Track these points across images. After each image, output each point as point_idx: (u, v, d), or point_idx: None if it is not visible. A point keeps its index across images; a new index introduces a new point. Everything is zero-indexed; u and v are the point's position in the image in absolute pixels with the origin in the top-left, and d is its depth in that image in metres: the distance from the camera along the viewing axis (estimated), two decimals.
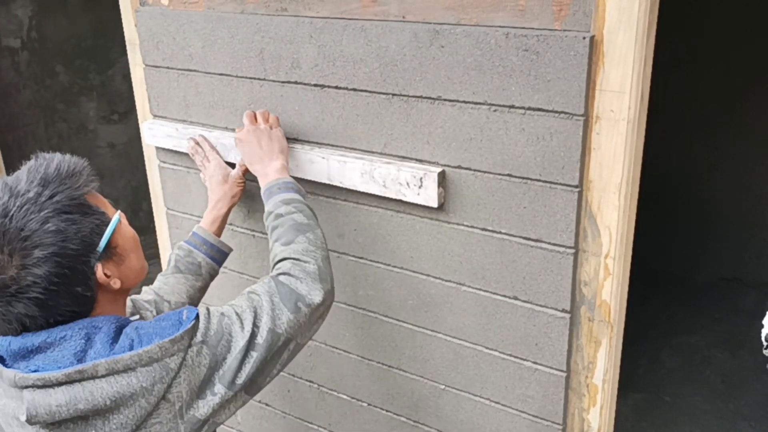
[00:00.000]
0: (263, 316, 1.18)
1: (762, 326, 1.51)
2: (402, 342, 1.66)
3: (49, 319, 1.05)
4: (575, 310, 1.39)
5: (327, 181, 1.56)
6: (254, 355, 1.15)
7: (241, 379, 1.13)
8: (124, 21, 1.87)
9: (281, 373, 1.95)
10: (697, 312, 3.23)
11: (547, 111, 1.27)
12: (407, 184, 1.43)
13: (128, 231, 1.17)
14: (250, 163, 1.51)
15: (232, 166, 1.67)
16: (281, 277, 1.26)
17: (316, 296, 1.25)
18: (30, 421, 1.01)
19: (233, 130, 1.74)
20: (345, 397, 1.85)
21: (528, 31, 1.25)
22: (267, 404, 2.04)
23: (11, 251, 1.00)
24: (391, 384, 1.72)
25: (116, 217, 1.11)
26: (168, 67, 1.80)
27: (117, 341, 1.06)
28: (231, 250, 1.63)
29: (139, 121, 1.98)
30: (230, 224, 1.84)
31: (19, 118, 3.16)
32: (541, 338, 1.44)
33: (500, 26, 1.28)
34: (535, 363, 1.47)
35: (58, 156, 1.11)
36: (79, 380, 1.01)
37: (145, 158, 2.02)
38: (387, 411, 1.77)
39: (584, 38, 1.20)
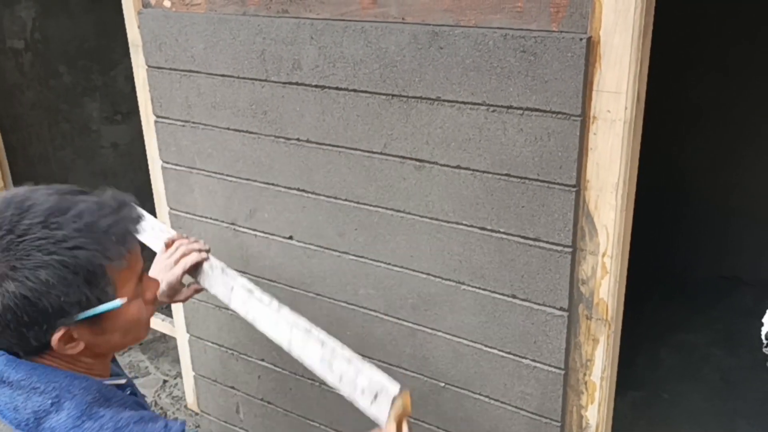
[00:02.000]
0: None
1: (761, 324, 1.53)
2: (402, 340, 1.68)
3: None
4: (573, 308, 1.41)
5: (286, 347, 1.40)
6: None
7: None
8: (127, 23, 1.89)
9: (283, 372, 1.97)
10: (696, 310, 3.23)
11: (545, 111, 1.29)
12: (362, 390, 1.27)
13: (131, 312, 1.06)
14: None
15: None
16: None
17: None
18: None
19: (235, 130, 1.75)
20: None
21: (526, 32, 1.27)
22: (269, 402, 2.06)
23: None
24: None
25: (115, 303, 1.01)
26: (170, 69, 1.82)
27: (88, 419, 0.99)
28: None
29: (142, 123, 2.00)
30: (233, 224, 1.86)
31: (23, 119, 3.17)
32: (540, 336, 1.46)
33: (498, 28, 1.30)
34: (533, 361, 1.49)
35: (125, 211, 1.03)
36: None
37: (148, 158, 2.04)
38: None
39: (581, 40, 1.21)
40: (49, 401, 0.98)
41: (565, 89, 1.25)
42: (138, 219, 1.05)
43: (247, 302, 1.43)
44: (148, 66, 1.87)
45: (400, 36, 1.41)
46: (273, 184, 1.75)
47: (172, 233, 1.52)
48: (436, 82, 1.39)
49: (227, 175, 1.82)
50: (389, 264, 1.62)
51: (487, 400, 1.59)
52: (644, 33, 1.19)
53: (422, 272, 1.57)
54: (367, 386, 1.23)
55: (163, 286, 1.41)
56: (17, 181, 3.06)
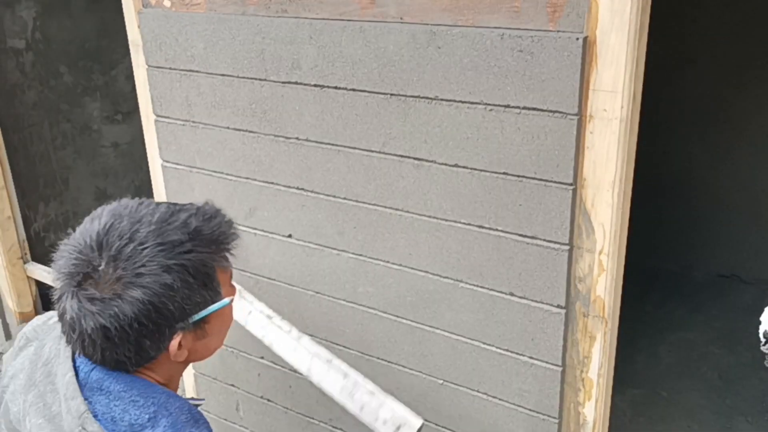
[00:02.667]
0: None
1: (760, 323, 1.53)
2: (401, 338, 1.69)
3: (105, 355, 1.00)
4: (570, 305, 1.42)
5: (304, 373, 1.43)
6: None
7: None
8: (127, 23, 1.90)
9: (283, 369, 1.98)
10: (695, 309, 3.24)
11: (542, 110, 1.30)
12: (384, 422, 1.32)
13: (228, 315, 1.12)
14: None
15: None
16: None
17: None
18: None
19: (235, 129, 1.76)
20: None
21: (523, 32, 1.28)
22: (269, 400, 2.07)
23: (120, 277, 0.97)
24: (390, 379, 1.75)
25: (225, 300, 1.07)
26: (170, 68, 1.83)
27: None
28: None
29: (143, 122, 2.01)
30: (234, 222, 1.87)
31: (24, 119, 3.18)
32: (537, 333, 1.47)
33: (496, 27, 1.31)
34: (531, 358, 1.50)
35: (221, 216, 1.09)
36: None
37: (149, 158, 2.05)
38: None
39: (578, 39, 1.22)
40: (147, 416, 1.00)
41: (562, 88, 1.26)
42: (231, 223, 1.11)
43: (266, 327, 1.47)
44: (149, 65, 1.88)
45: (398, 36, 1.41)
46: (272, 183, 1.76)
47: None
48: (434, 82, 1.40)
49: (227, 174, 1.83)
50: (388, 262, 1.63)
51: (485, 397, 1.60)
52: (640, 32, 1.20)
53: (421, 270, 1.58)
54: (390, 418, 1.30)
55: None
56: (18, 181, 3.08)
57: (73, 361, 1.05)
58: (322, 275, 1.77)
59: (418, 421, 1.26)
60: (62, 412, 1.01)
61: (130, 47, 1.92)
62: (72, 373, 1.03)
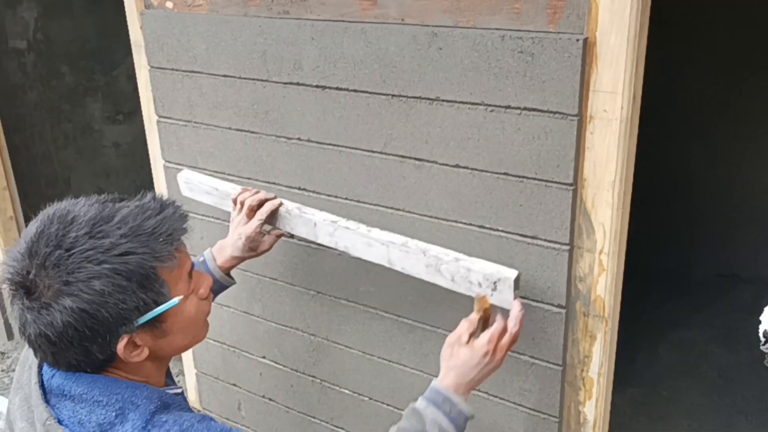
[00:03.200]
0: None
1: (759, 322, 1.54)
2: (402, 337, 1.69)
3: (58, 359, 0.99)
4: (571, 305, 1.42)
5: (387, 265, 1.44)
6: None
7: None
8: (129, 23, 1.91)
9: (284, 369, 1.99)
10: (695, 308, 3.25)
11: (542, 111, 1.31)
12: (479, 284, 1.32)
13: (188, 311, 1.07)
14: (447, 368, 1.26)
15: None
16: None
17: None
18: None
19: (237, 130, 1.77)
20: (347, 391, 1.88)
21: (523, 33, 1.28)
22: (270, 399, 2.08)
23: (49, 285, 0.94)
24: (391, 378, 1.76)
25: (172, 302, 1.01)
26: (172, 69, 1.84)
27: (152, 427, 0.98)
28: (234, 283, 1.56)
29: (145, 122, 2.02)
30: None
31: (25, 119, 3.19)
32: (538, 333, 1.47)
33: (496, 29, 1.31)
34: (532, 357, 1.50)
35: (169, 210, 1.03)
36: None
37: (150, 158, 2.06)
38: (388, 405, 1.81)
39: (578, 40, 1.23)
40: (113, 413, 0.98)
41: (563, 89, 1.27)
42: (183, 217, 1.05)
43: (335, 233, 1.49)
44: (151, 66, 1.89)
45: (399, 37, 1.42)
46: (274, 183, 1.77)
47: (237, 189, 1.59)
48: (435, 83, 1.41)
49: (229, 175, 1.84)
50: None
51: (486, 396, 1.60)
52: (640, 33, 1.21)
53: None
54: (484, 278, 1.31)
55: (242, 241, 1.48)
56: (20, 181, 3.08)
57: (40, 367, 1.04)
58: (324, 275, 1.77)
59: (513, 273, 1.28)
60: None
61: (132, 48, 1.93)
62: (36, 380, 1.02)
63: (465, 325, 1.27)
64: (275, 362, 2.00)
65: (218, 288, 1.51)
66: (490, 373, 1.26)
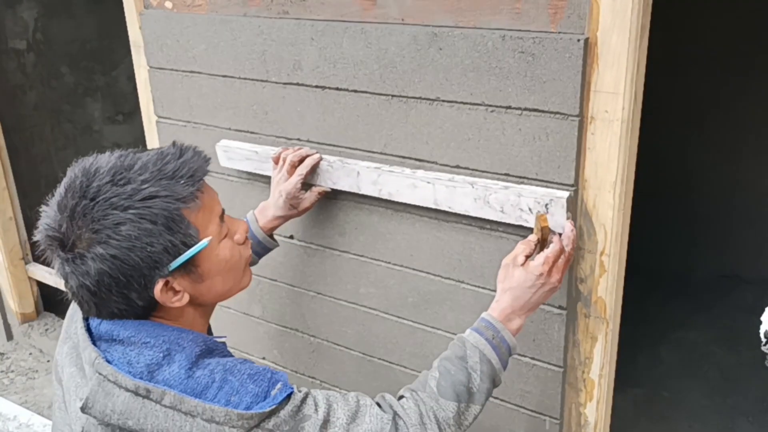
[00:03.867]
0: None
1: (760, 322, 1.53)
2: (403, 339, 1.69)
3: (102, 310, 1.04)
4: (572, 306, 1.42)
5: (433, 206, 1.43)
6: None
7: None
8: (128, 23, 1.90)
9: (284, 370, 1.98)
10: (696, 308, 3.24)
11: (543, 112, 1.30)
12: (529, 210, 1.30)
13: (223, 254, 1.10)
14: (501, 289, 1.25)
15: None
16: (401, 422, 1.09)
17: None
18: (83, 409, 1.00)
19: (236, 130, 1.77)
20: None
21: (524, 33, 1.28)
22: None
23: (79, 236, 0.99)
24: (392, 380, 1.75)
25: (202, 243, 1.04)
26: (172, 69, 1.83)
27: (197, 368, 1.02)
28: (277, 246, 1.58)
29: (144, 123, 2.02)
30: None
31: (25, 120, 3.19)
32: (539, 334, 1.47)
33: (497, 29, 1.31)
34: (533, 359, 1.50)
35: (188, 154, 1.06)
36: (144, 396, 0.98)
37: None
38: None
39: (579, 40, 1.22)
40: (161, 354, 1.02)
41: (563, 89, 1.26)
42: (204, 159, 1.07)
43: (378, 179, 1.49)
44: (150, 66, 1.88)
45: (399, 37, 1.42)
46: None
47: (277, 149, 1.60)
48: (435, 83, 1.40)
49: (228, 176, 1.83)
50: (389, 263, 1.63)
51: None
52: (641, 33, 1.20)
53: (422, 271, 1.58)
54: (534, 203, 1.30)
55: (283, 198, 1.49)
56: (19, 182, 3.08)
57: (86, 319, 1.09)
58: (324, 276, 1.77)
59: (564, 192, 1.28)
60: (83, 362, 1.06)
61: (132, 48, 1.93)
62: (83, 325, 1.07)
63: (521, 247, 1.26)
64: (275, 364, 2.00)
65: (262, 250, 1.54)
66: (547, 296, 1.24)
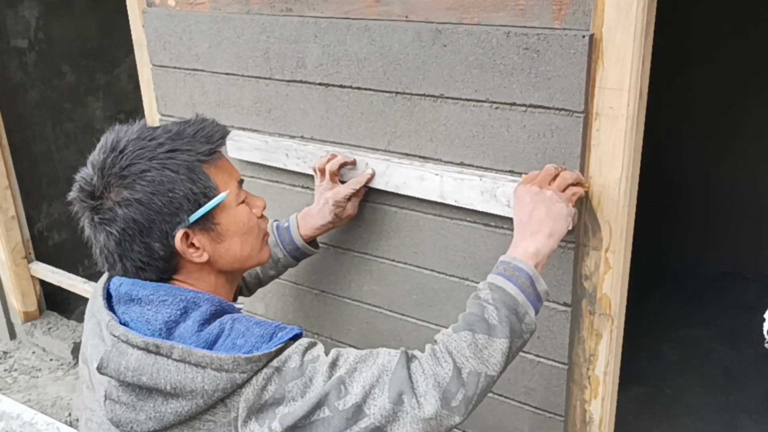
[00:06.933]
0: (357, 384, 1.03)
1: (763, 320, 1.53)
2: (406, 336, 1.69)
3: (126, 263, 1.11)
4: (576, 303, 1.42)
5: (439, 200, 1.43)
6: (326, 414, 1.02)
7: (302, 429, 1.03)
8: (131, 22, 1.90)
9: None
10: (699, 306, 3.24)
11: (548, 108, 1.30)
12: None
13: (241, 215, 1.17)
14: (515, 224, 1.22)
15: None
16: (413, 361, 1.07)
17: (427, 406, 1.02)
18: (99, 369, 1.04)
19: (240, 128, 1.77)
20: None
21: (528, 30, 1.28)
22: None
23: (108, 184, 1.09)
24: None
25: (221, 195, 1.13)
26: (175, 67, 1.83)
27: (208, 324, 1.07)
28: (316, 251, 1.58)
29: (146, 121, 2.01)
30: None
31: (26, 118, 3.18)
32: (543, 331, 1.47)
33: (501, 25, 1.31)
34: (537, 356, 1.50)
35: (208, 121, 1.16)
36: (154, 353, 1.02)
37: None
38: None
39: (584, 37, 1.22)
40: (178, 312, 1.08)
41: (568, 86, 1.26)
42: (221, 125, 1.17)
43: (386, 172, 1.51)
44: (153, 65, 1.88)
45: (403, 34, 1.41)
46: (277, 182, 1.76)
47: (288, 142, 1.64)
48: (439, 80, 1.40)
49: None
50: (393, 260, 1.63)
51: (490, 395, 1.60)
52: (646, 30, 1.20)
53: (426, 268, 1.58)
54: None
55: (330, 206, 1.50)
56: (21, 181, 3.08)
57: (107, 286, 1.16)
58: (327, 274, 1.77)
59: (575, 174, 1.28)
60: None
61: (134, 46, 1.93)
62: (101, 293, 1.15)
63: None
64: None
65: (300, 255, 1.56)
66: (557, 216, 1.18)
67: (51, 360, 3.07)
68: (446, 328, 1.14)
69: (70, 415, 2.68)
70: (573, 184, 1.25)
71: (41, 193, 3.25)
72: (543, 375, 1.50)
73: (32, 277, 3.17)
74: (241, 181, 1.20)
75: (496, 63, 1.32)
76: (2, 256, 3.08)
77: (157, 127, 1.14)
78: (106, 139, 1.13)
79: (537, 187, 1.21)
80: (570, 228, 1.22)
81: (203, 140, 1.13)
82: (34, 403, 2.77)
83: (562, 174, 1.25)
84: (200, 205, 1.11)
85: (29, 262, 3.16)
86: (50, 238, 3.33)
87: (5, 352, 3.16)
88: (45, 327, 3.15)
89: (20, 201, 3.08)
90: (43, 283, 3.19)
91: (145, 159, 1.08)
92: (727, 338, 3.00)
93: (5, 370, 3.02)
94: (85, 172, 1.12)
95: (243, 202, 1.19)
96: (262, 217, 1.24)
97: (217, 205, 1.13)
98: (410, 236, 1.57)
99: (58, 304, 3.28)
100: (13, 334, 3.24)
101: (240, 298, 1.62)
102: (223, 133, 1.17)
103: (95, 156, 1.12)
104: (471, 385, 1.05)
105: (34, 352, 3.13)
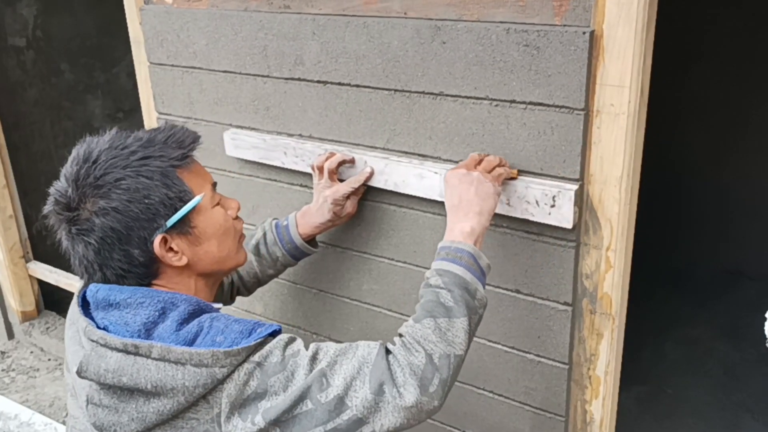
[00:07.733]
0: (338, 377, 1.06)
1: (764, 319, 1.52)
2: None
3: (106, 272, 1.11)
4: (577, 302, 1.40)
5: (438, 198, 1.43)
6: (308, 407, 1.03)
7: (285, 423, 1.04)
8: (128, 19, 1.89)
9: None
10: (700, 305, 3.23)
11: (548, 105, 1.29)
12: (536, 202, 1.29)
13: (217, 217, 1.18)
14: (447, 208, 1.27)
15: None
16: (390, 354, 1.11)
17: (407, 394, 1.05)
18: (79, 373, 1.04)
19: (238, 126, 1.75)
20: None
21: (528, 26, 1.26)
22: None
23: (83, 194, 1.09)
24: None
25: (197, 198, 1.14)
26: (172, 65, 1.82)
27: (187, 323, 1.08)
28: (315, 250, 1.58)
29: (144, 119, 2.00)
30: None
31: (25, 117, 3.18)
32: (544, 331, 1.45)
33: (501, 22, 1.29)
34: (537, 356, 1.49)
35: (178, 128, 1.18)
36: (134, 353, 1.03)
37: None
38: None
39: (584, 33, 1.21)
40: (156, 313, 1.08)
41: (569, 83, 1.25)
42: (194, 135, 1.18)
43: (384, 170, 1.51)
44: (150, 62, 1.87)
45: (402, 31, 1.40)
46: (275, 180, 1.75)
47: (287, 140, 1.63)
48: (439, 77, 1.39)
49: (230, 172, 1.82)
50: (392, 259, 1.62)
51: (491, 395, 1.59)
52: (647, 26, 1.19)
53: (426, 267, 1.57)
54: (541, 195, 1.30)
55: (329, 204, 1.49)
56: (20, 180, 3.07)
57: (83, 293, 1.16)
58: (326, 273, 1.76)
59: (573, 185, 1.28)
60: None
61: (132, 44, 1.92)
62: (76, 301, 1.16)
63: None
64: None
65: (299, 255, 1.55)
66: (484, 194, 1.23)
67: (49, 360, 3.06)
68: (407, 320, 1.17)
69: (67, 415, 2.68)
70: (499, 166, 1.30)
71: (39, 193, 3.23)
72: (543, 375, 1.49)
73: (30, 276, 3.17)
74: (214, 184, 1.21)
75: (495, 60, 1.31)
76: (0, 255, 3.07)
77: (128, 136, 1.14)
78: (77, 151, 1.13)
79: (464, 169, 1.27)
80: (496, 206, 1.27)
81: (175, 146, 1.14)
82: (32, 404, 2.76)
83: (487, 158, 1.31)
84: (176, 210, 1.11)
85: (27, 261, 3.15)
86: (48, 238, 3.32)
87: (3, 352, 3.15)
88: (43, 327, 3.14)
89: (18, 200, 3.07)
90: (41, 282, 3.18)
91: (118, 167, 1.09)
92: (729, 337, 2.99)
93: (3, 370, 3.01)
94: (59, 185, 1.12)
95: (218, 204, 1.21)
96: (237, 218, 1.25)
97: (193, 209, 1.14)
98: (410, 235, 1.56)
99: (56, 303, 3.28)
100: (11, 334, 3.23)
101: (238, 299, 1.61)
102: (194, 138, 1.18)
103: (68, 168, 1.12)
104: (444, 368, 1.10)
105: (32, 352, 3.12)
